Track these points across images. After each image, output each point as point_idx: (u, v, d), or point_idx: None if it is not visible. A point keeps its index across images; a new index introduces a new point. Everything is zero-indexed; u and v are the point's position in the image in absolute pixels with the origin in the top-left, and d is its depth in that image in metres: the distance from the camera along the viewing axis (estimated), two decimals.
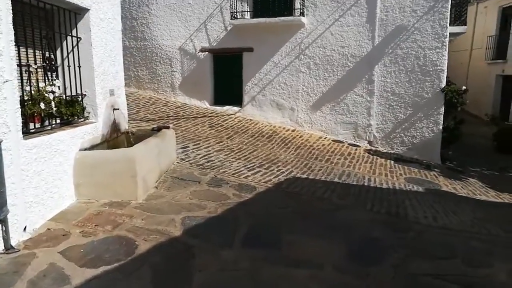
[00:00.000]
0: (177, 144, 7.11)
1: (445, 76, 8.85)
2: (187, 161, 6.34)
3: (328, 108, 9.86)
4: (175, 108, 10.40)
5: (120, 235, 3.49)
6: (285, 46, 9.99)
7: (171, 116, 9.56)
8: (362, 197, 5.77)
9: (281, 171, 6.61)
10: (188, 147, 7.19)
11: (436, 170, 8.37)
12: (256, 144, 8.30)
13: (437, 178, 7.80)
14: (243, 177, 5.95)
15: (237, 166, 6.49)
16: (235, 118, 10.34)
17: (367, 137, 9.56)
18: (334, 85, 9.69)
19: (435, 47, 8.76)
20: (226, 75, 10.89)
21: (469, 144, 10.88)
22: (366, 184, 6.62)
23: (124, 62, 12.06)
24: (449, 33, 8.82)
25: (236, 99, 10.79)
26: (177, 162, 6.21)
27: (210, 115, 10.24)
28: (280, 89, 10.22)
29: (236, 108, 10.77)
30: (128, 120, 8.55)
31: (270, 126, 10.11)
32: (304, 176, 6.54)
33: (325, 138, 9.67)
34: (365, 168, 7.71)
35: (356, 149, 9.08)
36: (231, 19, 9.96)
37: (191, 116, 9.78)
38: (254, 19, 9.87)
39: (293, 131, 9.94)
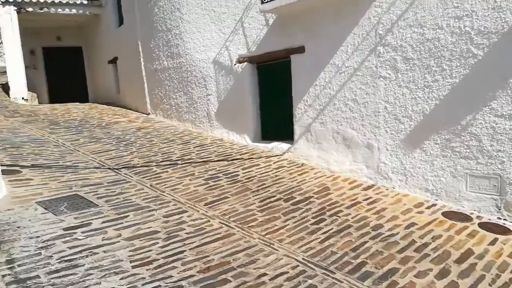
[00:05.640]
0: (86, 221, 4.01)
1: None
2: None
3: (438, 144, 5.09)
4: (195, 147, 7.33)
5: None
6: (352, 34, 5.81)
7: (170, 159, 6.52)
8: None
9: None
10: (91, 223, 3.96)
11: None
12: (251, 219, 4.43)
13: None
14: None
15: None
16: (276, 162, 6.57)
17: None
18: (446, 97, 4.93)
19: None
20: (273, 94, 7.29)
21: None
22: None
23: (164, 88, 9.90)
24: None
25: (286, 131, 7.02)
26: None
27: (239, 157, 6.76)
28: (348, 111, 5.99)
29: (285, 146, 6.97)
30: (80, 168, 5.12)
31: (327, 177, 5.93)
32: None
33: (429, 208, 4.90)
34: None
35: (494, 241, 4.07)
36: (262, 3, 6.44)
37: (201, 161, 6.52)
38: None
39: (367, 189, 5.51)
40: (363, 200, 5.09)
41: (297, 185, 5.57)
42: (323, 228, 4.27)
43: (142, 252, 3.55)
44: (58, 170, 5.67)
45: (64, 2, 12.30)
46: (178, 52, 8.85)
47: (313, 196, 5.16)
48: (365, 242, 3.97)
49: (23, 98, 11.49)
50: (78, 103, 12.04)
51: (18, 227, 3.79)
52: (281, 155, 6.91)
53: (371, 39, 5.59)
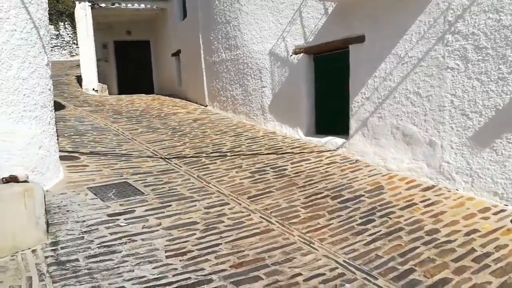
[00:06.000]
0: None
1: None
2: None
3: (511, 143, 4.53)
4: (246, 140, 7.31)
5: None
6: (417, 22, 5.36)
7: (220, 151, 6.56)
8: None
9: None
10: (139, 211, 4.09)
11: None
12: (293, 216, 4.29)
13: None
14: None
15: None
16: (328, 157, 6.32)
17: None
18: None
19: None
20: (329, 87, 7.01)
21: None
22: None
23: (221, 80, 9.98)
24: None
25: (341, 126, 6.72)
26: (42, 248, 3.30)
27: (289, 151, 6.62)
28: (409, 105, 5.56)
29: (339, 141, 6.68)
30: (133, 156, 5.45)
31: (383, 176, 5.56)
32: None
33: (496, 214, 4.38)
34: None
35: None
36: None
37: (250, 154, 6.47)
38: None
39: (426, 189, 5.07)
40: (420, 202, 4.69)
41: (348, 182, 5.30)
42: (370, 229, 4.00)
43: (179, 243, 3.58)
44: (113, 157, 5.95)
45: None
46: (235, 44, 8.87)
47: (364, 195, 4.87)
48: (416, 248, 3.64)
49: (93, 89, 12.31)
50: (143, 95, 12.62)
51: (68, 211, 4.01)
52: (335, 150, 6.64)
53: (438, 27, 5.11)
